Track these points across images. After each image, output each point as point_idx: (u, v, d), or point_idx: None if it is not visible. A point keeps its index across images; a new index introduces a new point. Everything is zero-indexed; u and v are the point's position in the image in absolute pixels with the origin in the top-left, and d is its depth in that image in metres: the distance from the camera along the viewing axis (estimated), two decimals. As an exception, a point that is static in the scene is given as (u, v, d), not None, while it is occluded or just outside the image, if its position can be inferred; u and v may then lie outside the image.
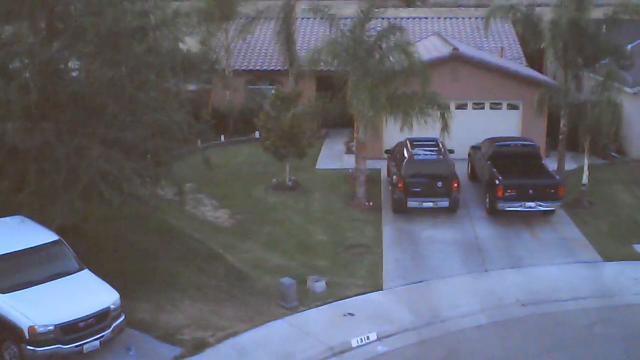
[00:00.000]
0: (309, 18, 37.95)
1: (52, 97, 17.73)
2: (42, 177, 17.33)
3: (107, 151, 17.60)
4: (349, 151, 30.29)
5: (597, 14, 26.61)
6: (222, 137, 33.16)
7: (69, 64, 18.82)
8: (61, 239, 16.97)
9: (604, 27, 26.00)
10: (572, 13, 25.44)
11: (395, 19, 37.30)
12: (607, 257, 21.67)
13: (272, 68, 36.19)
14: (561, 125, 26.95)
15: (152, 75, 19.34)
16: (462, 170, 27.64)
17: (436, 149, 25.87)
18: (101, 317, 15.64)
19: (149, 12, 19.44)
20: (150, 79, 19.30)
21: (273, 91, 27.70)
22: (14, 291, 15.48)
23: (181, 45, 20.96)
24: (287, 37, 33.95)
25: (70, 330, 15.14)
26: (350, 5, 33.47)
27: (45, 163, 17.24)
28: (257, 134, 30.71)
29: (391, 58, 24.84)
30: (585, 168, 25.81)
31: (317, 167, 29.83)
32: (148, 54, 18.89)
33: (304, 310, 18.45)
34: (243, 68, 36.08)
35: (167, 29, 19.81)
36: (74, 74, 18.94)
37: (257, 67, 36.43)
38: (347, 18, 28.61)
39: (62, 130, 17.50)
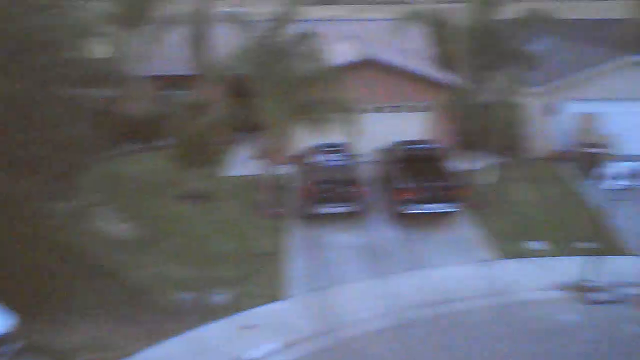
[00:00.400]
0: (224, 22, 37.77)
1: None
2: None
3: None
4: (258, 157, 30.36)
5: (509, 10, 27.17)
6: (131, 146, 32.76)
7: None
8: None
9: (510, 30, 26.68)
10: (478, 17, 26.08)
11: (311, 21, 37.52)
12: (504, 256, 22.47)
13: (184, 73, 35.89)
14: (467, 126, 27.66)
15: (57, 88, 19.13)
16: (371, 174, 28.17)
17: (344, 154, 26.28)
18: (-5, 343, 15.54)
19: (54, 25, 19.18)
20: (54, 92, 19.07)
21: (184, 98, 27.60)
22: None
23: (90, 54, 20.67)
24: (200, 42, 33.81)
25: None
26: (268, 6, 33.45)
27: None
28: (166, 142, 30.49)
29: (302, 65, 25.01)
30: (489, 168, 26.64)
31: (226, 174, 29.71)
32: (53, 67, 18.69)
33: (206, 324, 18.63)
34: (154, 74, 35.73)
35: (75, 40, 19.61)
36: None
37: (169, 73, 36.14)
38: (263, 21, 28.57)
39: None
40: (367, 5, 45.23)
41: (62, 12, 20.21)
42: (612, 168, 19.71)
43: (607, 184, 19.61)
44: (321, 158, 25.83)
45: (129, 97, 33.86)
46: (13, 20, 18.08)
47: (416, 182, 24.54)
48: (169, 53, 37.01)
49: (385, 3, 44.98)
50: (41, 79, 18.32)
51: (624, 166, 19.66)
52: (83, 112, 20.31)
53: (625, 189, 19.69)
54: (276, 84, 24.44)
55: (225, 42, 34.12)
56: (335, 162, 25.78)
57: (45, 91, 18.64)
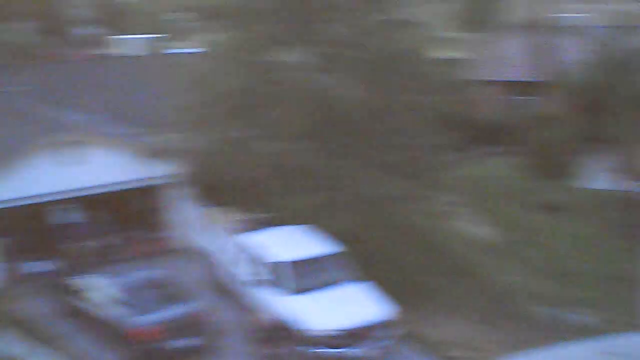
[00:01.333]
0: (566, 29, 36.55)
1: (319, 121, 18.76)
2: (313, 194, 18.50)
3: (376, 173, 18.53)
4: (614, 172, 28.66)
5: None
6: (475, 150, 32.78)
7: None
8: (344, 249, 17.94)
9: None
10: None
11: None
12: None
13: (527, 79, 35.19)
14: None
15: (413, 95, 19.90)
16: None
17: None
18: (379, 327, 16.40)
19: (409, 36, 20.05)
20: (410, 99, 19.87)
21: (531, 105, 27.14)
22: (304, 293, 16.79)
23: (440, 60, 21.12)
24: (543, 49, 33.07)
25: (352, 336, 16.00)
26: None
27: (308, 182, 18.49)
28: (512, 148, 29.96)
29: None
30: None
31: (581, 187, 28.11)
32: (409, 75, 19.58)
33: (567, 343, 18.01)
34: (497, 78, 35.41)
35: (428, 49, 20.22)
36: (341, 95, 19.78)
37: (513, 78, 35.55)
38: (607, 28, 27.06)
39: (328, 152, 18.66)
40: None
41: (417, 23, 21.00)
42: None
43: None
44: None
45: (474, 101, 34.10)
46: (374, 35, 19.06)
47: None
48: (512, 58, 36.79)
49: None
50: (399, 88, 19.22)
51: None
52: (436, 117, 20.85)
53: None
54: (628, 98, 23.19)
55: (570, 49, 33.11)
56: None
57: (403, 98, 19.48)
